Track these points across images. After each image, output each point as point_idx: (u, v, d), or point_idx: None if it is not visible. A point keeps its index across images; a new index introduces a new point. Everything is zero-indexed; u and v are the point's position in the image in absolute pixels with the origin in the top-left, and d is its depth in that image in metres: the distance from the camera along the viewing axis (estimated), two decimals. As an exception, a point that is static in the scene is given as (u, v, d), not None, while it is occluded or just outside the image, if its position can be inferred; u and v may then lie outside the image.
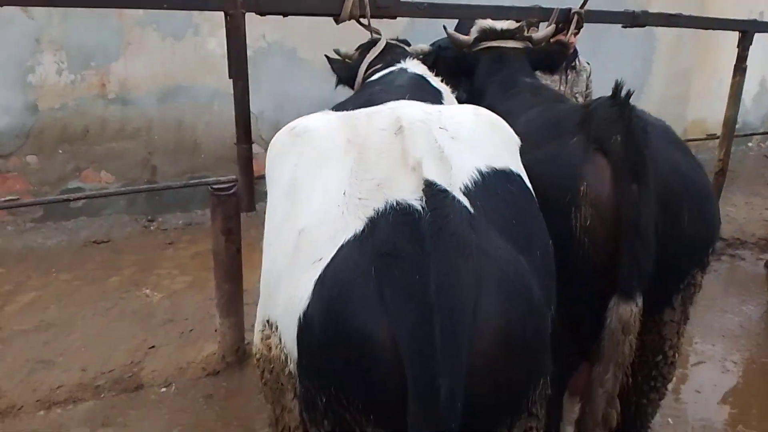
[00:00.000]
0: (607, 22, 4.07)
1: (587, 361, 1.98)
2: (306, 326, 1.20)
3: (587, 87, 4.65)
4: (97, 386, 3.36)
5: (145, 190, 4.19)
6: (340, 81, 3.07)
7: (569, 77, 4.49)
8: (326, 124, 1.53)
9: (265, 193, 1.64)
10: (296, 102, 5.63)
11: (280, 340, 1.30)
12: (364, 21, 3.04)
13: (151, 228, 5.62)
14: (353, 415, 1.18)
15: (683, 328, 2.04)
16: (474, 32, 3.04)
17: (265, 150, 1.66)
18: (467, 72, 2.96)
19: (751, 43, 4.69)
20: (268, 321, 1.37)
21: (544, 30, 3.20)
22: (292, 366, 1.27)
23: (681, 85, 7.90)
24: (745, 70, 4.82)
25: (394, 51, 2.87)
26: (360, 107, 1.61)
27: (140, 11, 5.28)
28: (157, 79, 5.51)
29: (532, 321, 1.22)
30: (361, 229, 1.22)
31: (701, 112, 7.89)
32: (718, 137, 5.11)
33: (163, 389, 3.35)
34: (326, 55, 3.10)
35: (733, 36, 4.74)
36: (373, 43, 2.96)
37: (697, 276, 1.95)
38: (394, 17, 3.29)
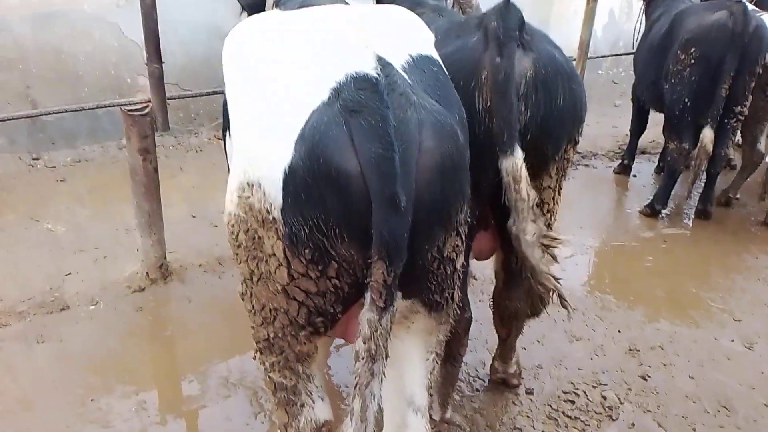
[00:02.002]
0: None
1: (484, 230, 2.48)
2: (291, 174, 1.52)
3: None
4: (20, 311, 3.38)
5: (57, 112, 4.02)
6: (244, 8, 3.19)
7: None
8: (283, 18, 1.82)
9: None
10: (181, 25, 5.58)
11: (264, 194, 1.59)
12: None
13: (38, 166, 5.39)
14: (330, 239, 1.53)
15: (558, 197, 2.58)
16: None
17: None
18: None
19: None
20: (248, 184, 1.64)
21: None
22: (276, 212, 1.57)
23: (543, 10, 8.64)
24: (597, -5, 5.55)
25: None
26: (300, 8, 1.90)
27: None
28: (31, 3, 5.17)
29: (458, 156, 1.65)
30: (327, 96, 1.54)
31: (559, 37, 8.73)
32: (574, 59, 5.85)
33: (92, 307, 3.45)
34: None
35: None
36: None
37: (569, 151, 2.46)
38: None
